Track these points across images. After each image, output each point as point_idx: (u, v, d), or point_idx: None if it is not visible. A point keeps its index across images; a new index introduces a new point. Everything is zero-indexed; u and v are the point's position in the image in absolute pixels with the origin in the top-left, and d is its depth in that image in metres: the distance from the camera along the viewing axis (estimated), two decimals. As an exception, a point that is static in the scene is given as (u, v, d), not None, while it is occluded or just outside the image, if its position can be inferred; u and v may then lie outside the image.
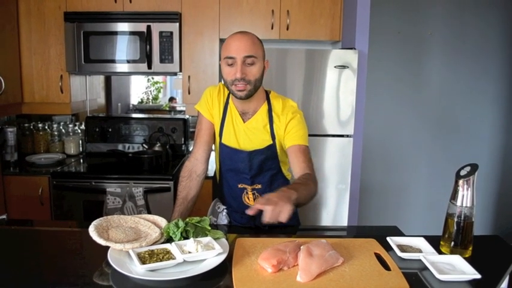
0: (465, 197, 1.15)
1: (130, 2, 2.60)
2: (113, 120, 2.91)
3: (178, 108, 3.65)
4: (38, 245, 1.29)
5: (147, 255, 1.07)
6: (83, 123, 2.93)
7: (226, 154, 1.58)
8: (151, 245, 1.12)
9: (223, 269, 1.05)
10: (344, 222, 2.53)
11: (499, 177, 3.37)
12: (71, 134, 2.90)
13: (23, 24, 2.60)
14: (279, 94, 1.60)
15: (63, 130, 2.92)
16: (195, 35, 2.66)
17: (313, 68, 2.40)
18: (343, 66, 2.38)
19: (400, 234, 1.38)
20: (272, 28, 2.64)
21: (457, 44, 3.15)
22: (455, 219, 1.17)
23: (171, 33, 2.57)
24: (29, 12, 2.59)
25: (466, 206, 1.16)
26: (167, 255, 1.08)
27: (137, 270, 1.01)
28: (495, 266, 1.13)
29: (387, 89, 3.19)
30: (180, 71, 2.67)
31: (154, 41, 2.58)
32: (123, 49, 2.59)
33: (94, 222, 1.17)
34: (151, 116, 3.10)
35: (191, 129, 2.94)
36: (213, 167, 1.80)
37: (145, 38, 2.57)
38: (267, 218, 1.07)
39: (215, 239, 1.17)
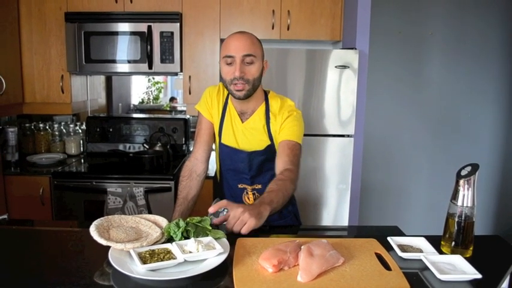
0: (466, 196, 1.15)
1: (131, 2, 2.60)
2: (114, 120, 2.91)
3: (179, 108, 3.65)
4: (39, 245, 1.29)
5: (147, 255, 1.07)
6: (84, 123, 2.94)
7: (226, 154, 1.58)
8: (152, 244, 1.12)
9: (224, 269, 1.05)
10: (345, 222, 2.53)
11: (500, 177, 3.37)
12: (71, 134, 2.90)
13: (24, 25, 2.60)
14: (278, 94, 1.60)
15: (64, 130, 2.93)
16: (195, 35, 2.66)
17: (314, 68, 2.40)
18: (344, 66, 2.38)
19: (400, 234, 1.38)
20: (273, 28, 2.64)
21: (457, 44, 3.15)
22: (456, 219, 1.17)
23: (172, 33, 2.58)
24: (30, 13, 2.59)
25: (467, 206, 1.15)
26: (168, 255, 1.08)
27: (138, 270, 1.01)
28: (496, 266, 1.13)
29: (388, 89, 3.19)
30: (181, 71, 2.68)
31: (155, 41, 2.58)
32: (124, 49, 2.60)
33: (95, 222, 1.17)
34: (152, 116, 3.10)
35: (192, 129, 2.95)
36: (213, 167, 1.80)
37: (146, 38, 2.57)
38: (230, 225, 1.16)
39: (216, 238, 1.17)
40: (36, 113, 2.89)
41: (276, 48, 2.43)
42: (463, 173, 1.16)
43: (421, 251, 1.18)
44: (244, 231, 1.15)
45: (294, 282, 0.98)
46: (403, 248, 1.18)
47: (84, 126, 2.94)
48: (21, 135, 2.81)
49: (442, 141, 3.27)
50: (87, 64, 2.61)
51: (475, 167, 1.15)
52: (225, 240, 1.18)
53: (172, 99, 3.77)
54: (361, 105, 2.48)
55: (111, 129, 2.86)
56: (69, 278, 1.04)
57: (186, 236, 1.17)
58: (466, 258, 1.11)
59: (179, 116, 3.33)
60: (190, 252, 1.09)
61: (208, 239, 1.16)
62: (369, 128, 2.81)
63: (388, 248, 1.18)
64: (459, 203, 1.16)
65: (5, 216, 1.44)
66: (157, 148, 2.70)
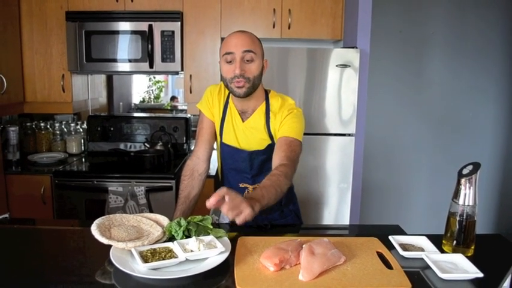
0: (467, 195, 1.15)
1: (132, 1, 2.60)
2: (115, 119, 2.91)
3: (180, 107, 3.64)
4: (40, 244, 1.29)
5: (149, 254, 1.07)
6: (85, 123, 2.94)
7: (227, 153, 1.58)
8: (153, 243, 1.12)
9: (226, 268, 1.05)
10: (346, 221, 2.53)
11: (501, 176, 3.37)
12: (72, 133, 2.91)
13: (24, 24, 2.60)
14: (279, 93, 1.59)
15: (65, 129, 2.93)
16: (196, 34, 2.66)
17: (315, 66, 2.40)
18: (345, 65, 2.38)
19: (402, 233, 1.38)
20: (274, 27, 2.64)
21: (458, 43, 3.15)
22: (458, 218, 1.17)
23: (173, 32, 2.58)
24: (31, 12, 2.59)
25: (468, 205, 1.15)
26: (169, 253, 1.08)
27: (139, 268, 1.01)
28: (497, 264, 1.13)
29: (389, 88, 3.18)
30: (182, 70, 2.68)
31: (155, 40, 2.58)
32: (125, 48, 2.60)
33: (96, 221, 1.17)
34: (153, 115, 3.10)
35: (193, 128, 2.95)
36: (215, 166, 1.80)
37: (146, 37, 2.57)
38: (225, 208, 1.03)
39: (217, 237, 1.17)
40: (37, 112, 2.89)
41: (276, 47, 2.43)
42: (465, 171, 1.16)
43: (422, 249, 1.18)
44: (239, 221, 1.06)
45: (295, 281, 0.98)
46: (405, 247, 1.18)
47: (85, 125, 2.94)
48: (22, 135, 2.81)
49: (443, 140, 3.27)
50: (88, 63, 2.61)
51: (476, 166, 1.15)
52: (226, 239, 1.18)
53: (173, 98, 3.76)
54: (362, 104, 2.48)
55: (112, 128, 2.86)
56: (71, 276, 1.04)
57: (187, 235, 1.18)
58: (468, 257, 1.11)
59: (180, 115, 3.32)
60: (191, 251, 1.09)
61: (210, 237, 1.16)
62: (370, 127, 2.81)
63: (390, 246, 1.19)
64: (461, 201, 1.16)
65: (7, 215, 1.45)
66: (158, 147, 2.70)
